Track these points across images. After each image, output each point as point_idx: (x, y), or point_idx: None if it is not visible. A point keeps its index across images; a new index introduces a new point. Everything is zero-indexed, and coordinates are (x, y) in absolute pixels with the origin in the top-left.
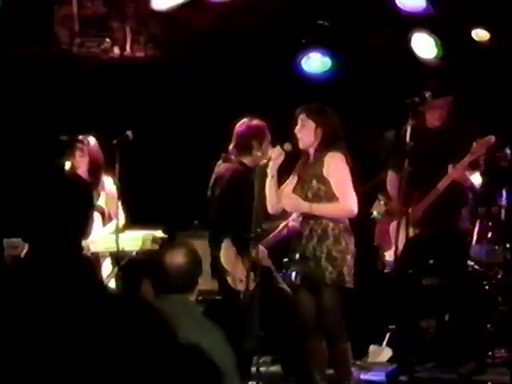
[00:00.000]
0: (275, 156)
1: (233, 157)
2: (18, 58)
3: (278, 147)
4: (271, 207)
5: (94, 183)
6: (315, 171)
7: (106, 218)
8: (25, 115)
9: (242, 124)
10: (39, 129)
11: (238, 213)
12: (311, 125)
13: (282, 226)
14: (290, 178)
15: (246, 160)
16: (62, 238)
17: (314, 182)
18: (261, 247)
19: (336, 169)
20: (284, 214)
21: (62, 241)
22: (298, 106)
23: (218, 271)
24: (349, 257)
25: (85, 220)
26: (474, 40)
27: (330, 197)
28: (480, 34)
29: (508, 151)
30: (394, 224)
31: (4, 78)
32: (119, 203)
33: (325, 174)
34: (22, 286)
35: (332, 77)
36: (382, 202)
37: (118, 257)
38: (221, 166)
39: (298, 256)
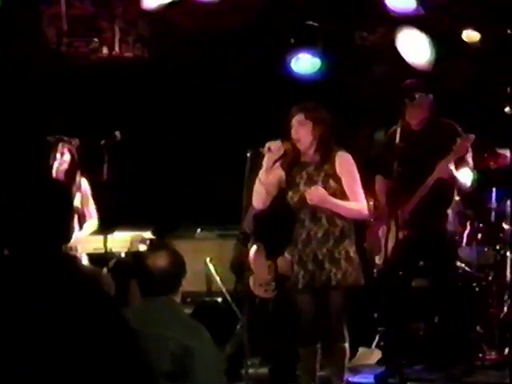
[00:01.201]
0: (274, 148)
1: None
2: (5, 57)
3: (279, 141)
4: (259, 202)
5: (71, 184)
6: (328, 171)
7: (81, 219)
8: (12, 115)
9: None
10: (26, 129)
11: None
12: (309, 124)
13: None
14: (277, 170)
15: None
16: (43, 242)
17: (332, 182)
18: (287, 256)
19: (348, 169)
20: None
21: (43, 245)
22: (288, 106)
23: (240, 270)
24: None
25: (66, 224)
26: (464, 41)
27: (344, 196)
28: (470, 35)
29: (502, 151)
30: (383, 227)
31: None
32: (93, 204)
33: (338, 173)
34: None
35: (321, 77)
36: (371, 203)
37: (98, 258)
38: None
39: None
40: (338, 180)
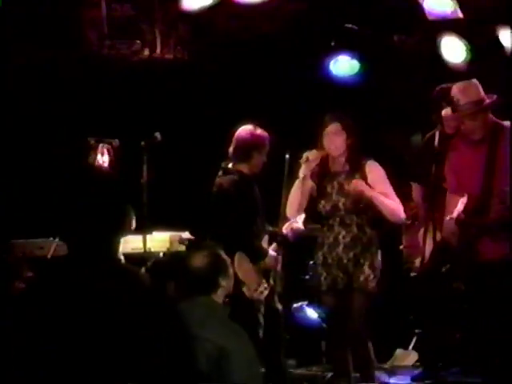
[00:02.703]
0: (312, 158)
1: (230, 166)
2: (48, 61)
3: (315, 150)
4: (292, 210)
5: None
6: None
7: None
8: (55, 117)
9: (245, 130)
10: (69, 130)
11: (245, 224)
12: (344, 134)
13: (286, 227)
14: (308, 182)
15: (244, 168)
16: (104, 235)
17: None
18: (270, 252)
19: (380, 177)
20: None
21: (104, 238)
22: (326, 108)
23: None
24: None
25: (123, 216)
26: (501, 44)
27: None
28: (508, 38)
29: None
30: (422, 229)
31: (35, 81)
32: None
33: (370, 182)
34: (63, 287)
35: (360, 80)
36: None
37: (137, 258)
38: (222, 178)
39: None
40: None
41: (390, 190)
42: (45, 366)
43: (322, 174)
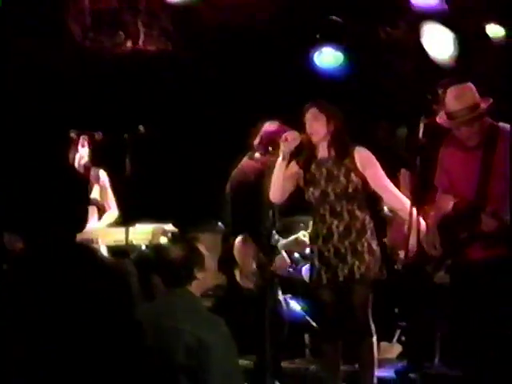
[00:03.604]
0: (291, 138)
1: (257, 155)
2: (30, 53)
3: (295, 131)
4: (276, 194)
5: (87, 176)
6: (348, 165)
7: (101, 211)
8: (37, 110)
9: (272, 124)
10: (51, 123)
11: (257, 209)
12: (323, 118)
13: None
14: (292, 166)
15: (263, 159)
16: (60, 230)
17: (354, 177)
18: (283, 255)
19: (371, 162)
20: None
21: (59, 234)
22: (311, 99)
23: (228, 265)
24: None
25: (81, 213)
26: (488, 36)
27: (367, 191)
28: (494, 30)
29: None
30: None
31: (16, 73)
32: (112, 196)
33: (360, 168)
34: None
35: (344, 72)
36: (386, 199)
37: (119, 250)
38: (245, 163)
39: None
40: (359, 175)
41: (381, 173)
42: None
43: (309, 160)
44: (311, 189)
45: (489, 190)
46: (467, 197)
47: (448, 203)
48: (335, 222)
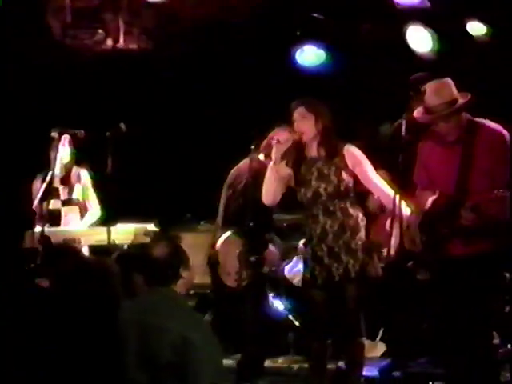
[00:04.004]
0: (283, 140)
1: (256, 155)
2: (10, 51)
3: (286, 132)
4: (268, 197)
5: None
6: (338, 164)
7: (83, 210)
8: (16, 107)
9: (283, 128)
10: (32, 122)
11: (248, 207)
12: (311, 117)
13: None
14: (282, 168)
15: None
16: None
17: (345, 175)
18: (272, 249)
19: (361, 160)
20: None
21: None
22: (292, 98)
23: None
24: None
25: None
26: (469, 34)
27: (358, 189)
28: (476, 28)
29: None
30: (389, 220)
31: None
32: (94, 195)
33: (351, 166)
34: None
35: (326, 70)
36: (376, 197)
37: (101, 250)
38: (244, 162)
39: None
40: (350, 173)
41: (372, 172)
42: None
43: (298, 160)
44: (303, 189)
45: (469, 184)
46: (447, 192)
47: (427, 199)
48: (329, 222)
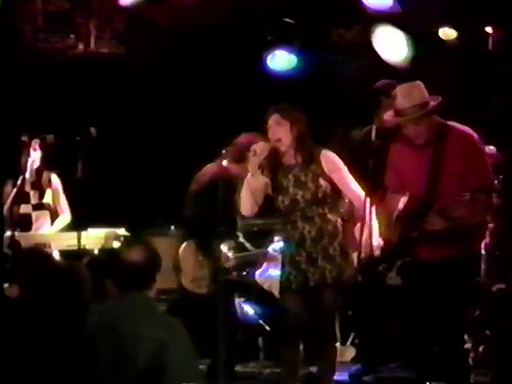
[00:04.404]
0: (260, 151)
1: (221, 161)
2: None
3: (263, 142)
4: (247, 208)
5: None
6: (315, 170)
7: (53, 215)
8: None
9: (247, 137)
10: (1, 126)
11: (208, 214)
12: (286, 124)
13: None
14: (260, 177)
15: (234, 167)
16: None
17: (322, 181)
18: (223, 251)
19: (338, 166)
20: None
21: None
22: (264, 102)
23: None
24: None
25: None
26: (440, 38)
27: (335, 195)
28: (447, 33)
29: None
30: (359, 224)
31: None
32: (65, 200)
33: (327, 172)
34: None
35: (298, 74)
36: (346, 201)
37: (72, 255)
38: (207, 168)
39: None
40: (327, 179)
41: (349, 177)
42: None
43: (275, 168)
44: (280, 197)
45: (439, 187)
46: (418, 195)
47: (397, 202)
48: (307, 227)
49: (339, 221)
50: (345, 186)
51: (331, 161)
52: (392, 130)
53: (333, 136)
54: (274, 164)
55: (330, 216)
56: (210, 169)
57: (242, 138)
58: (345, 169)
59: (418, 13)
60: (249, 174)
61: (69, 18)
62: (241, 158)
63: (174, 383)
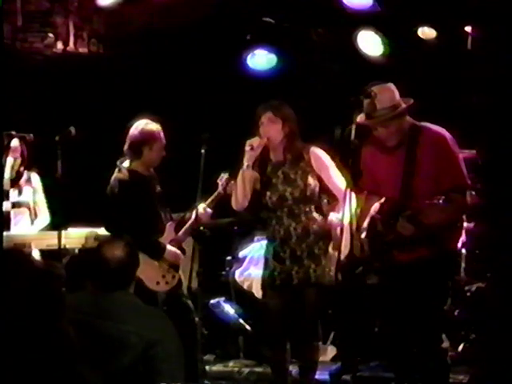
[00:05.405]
0: (256, 146)
1: (123, 166)
2: None
3: (258, 137)
4: (237, 202)
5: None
6: (304, 168)
7: (32, 214)
8: None
9: (135, 128)
10: None
11: (137, 222)
12: (279, 122)
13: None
14: (250, 171)
15: (138, 165)
16: None
17: (310, 179)
18: (169, 247)
19: (325, 164)
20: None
21: None
22: (244, 102)
23: None
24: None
25: None
26: (420, 38)
27: (325, 192)
28: (426, 32)
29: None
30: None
31: None
32: (44, 199)
33: (316, 169)
34: None
35: (277, 74)
36: (325, 201)
37: (52, 254)
38: (112, 179)
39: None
40: (316, 176)
41: (336, 174)
42: None
43: (263, 164)
44: (268, 193)
45: (413, 189)
46: (393, 197)
47: (373, 204)
48: (293, 224)
49: (323, 221)
50: (332, 184)
51: (320, 158)
52: (368, 131)
53: (313, 135)
54: (263, 159)
55: (316, 215)
56: (117, 178)
57: (132, 129)
58: (333, 167)
59: (398, 12)
60: (244, 166)
61: (47, 17)
62: (139, 152)
63: (163, 380)
